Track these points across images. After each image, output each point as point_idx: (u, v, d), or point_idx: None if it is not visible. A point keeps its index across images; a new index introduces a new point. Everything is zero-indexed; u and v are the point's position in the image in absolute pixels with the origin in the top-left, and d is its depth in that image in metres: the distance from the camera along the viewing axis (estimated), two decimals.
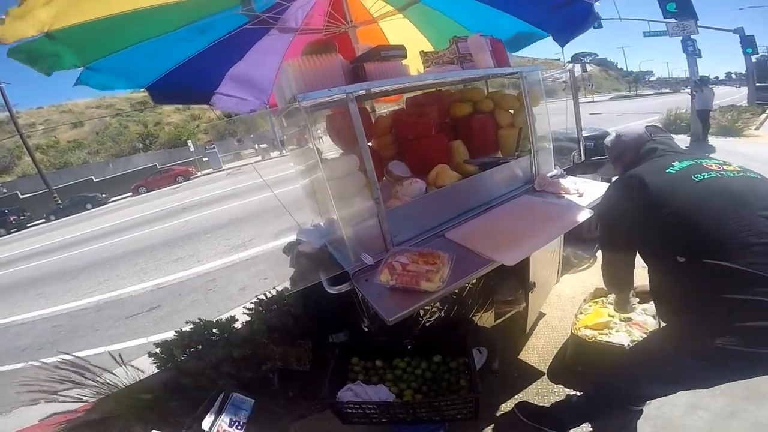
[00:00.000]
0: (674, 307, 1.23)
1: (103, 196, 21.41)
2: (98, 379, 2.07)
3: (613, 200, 1.39)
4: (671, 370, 1.21)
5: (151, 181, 22.09)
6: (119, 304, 5.04)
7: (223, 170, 22.90)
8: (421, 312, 2.24)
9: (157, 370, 2.25)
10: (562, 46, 2.61)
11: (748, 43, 16.72)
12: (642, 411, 1.64)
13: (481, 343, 2.05)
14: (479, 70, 2.03)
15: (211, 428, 0.88)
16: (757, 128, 10.67)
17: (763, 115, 12.95)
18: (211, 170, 23.79)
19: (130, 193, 22.07)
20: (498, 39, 2.29)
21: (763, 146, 8.11)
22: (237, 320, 2.35)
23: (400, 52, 1.76)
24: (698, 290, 1.10)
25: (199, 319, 2.29)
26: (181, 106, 31.28)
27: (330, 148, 2.07)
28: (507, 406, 1.92)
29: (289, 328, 2.34)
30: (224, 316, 2.35)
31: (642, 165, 1.33)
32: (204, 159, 24.68)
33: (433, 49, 2.39)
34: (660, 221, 1.17)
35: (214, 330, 2.26)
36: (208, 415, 1.07)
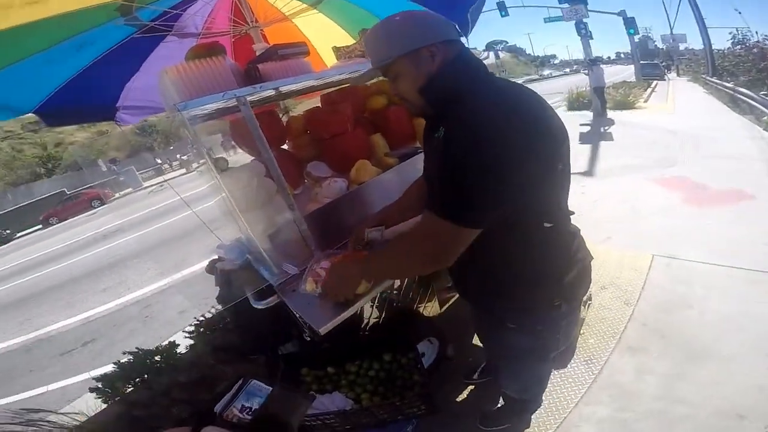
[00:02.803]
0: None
1: (7, 232, 18.60)
2: (46, 421, 1.90)
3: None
4: None
5: (62, 210, 19.50)
6: (49, 342, 4.60)
7: (144, 188, 21.03)
8: (366, 312, 2.23)
9: (104, 405, 2.08)
10: (466, 36, 2.58)
11: (630, 25, 18.58)
12: None
13: (430, 334, 2.04)
14: None
15: (222, 411, 0.85)
16: (645, 101, 12.27)
17: (649, 89, 14.96)
18: (130, 190, 21.74)
19: (40, 225, 19.28)
20: None
21: (651, 115, 9.57)
22: (179, 345, 2.24)
23: (300, 49, 1.69)
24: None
25: (138, 348, 2.15)
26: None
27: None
28: (468, 391, 1.99)
29: (237, 345, 2.22)
30: (165, 342, 2.22)
31: None
32: (120, 179, 22.46)
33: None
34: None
35: (156, 358, 2.13)
36: (223, 399, 1.03)
